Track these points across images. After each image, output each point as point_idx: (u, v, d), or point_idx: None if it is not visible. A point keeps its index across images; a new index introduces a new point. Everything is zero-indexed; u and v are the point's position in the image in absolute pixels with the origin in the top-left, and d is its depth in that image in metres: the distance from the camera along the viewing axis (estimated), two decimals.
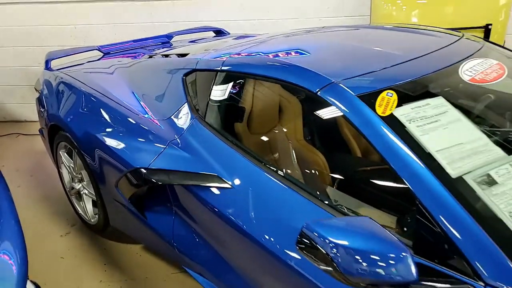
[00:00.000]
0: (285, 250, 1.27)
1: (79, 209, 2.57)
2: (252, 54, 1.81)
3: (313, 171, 1.61)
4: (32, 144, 3.81)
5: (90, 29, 3.97)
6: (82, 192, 2.46)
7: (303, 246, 0.94)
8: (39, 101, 2.58)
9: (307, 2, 3.72)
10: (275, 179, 1.41)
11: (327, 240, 0.90)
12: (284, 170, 1.43)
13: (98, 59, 2.78)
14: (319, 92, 1.33)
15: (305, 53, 1.68)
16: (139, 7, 3.88)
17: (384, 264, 0.88)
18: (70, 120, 2.25)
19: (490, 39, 3.33)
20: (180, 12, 3.85)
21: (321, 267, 0.92)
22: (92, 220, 2.45)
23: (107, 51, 2.92)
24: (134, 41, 3.17)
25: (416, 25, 2.12)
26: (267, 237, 1.34)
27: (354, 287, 0.91)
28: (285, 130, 1.85)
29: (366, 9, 3.53)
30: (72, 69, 2.56)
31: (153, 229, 1.90)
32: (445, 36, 1.82)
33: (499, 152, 1.14)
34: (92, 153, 2.07)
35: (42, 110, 2.55)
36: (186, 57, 2.05)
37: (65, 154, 2.48)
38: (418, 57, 1.51)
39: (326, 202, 1.24)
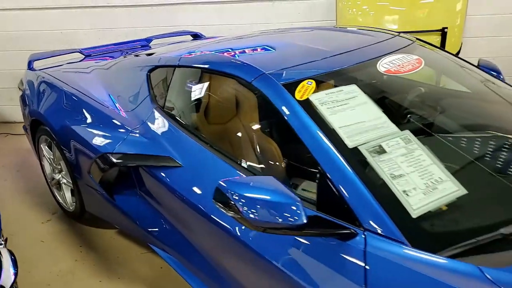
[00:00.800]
0: (225, 221, 1.49)
1: (59, 198, 2.78)
2: (209, 52, 2.04)
3: (267, 158, 1.82)
4: (19, 143, 4.01)
5: (76, 34, 4.20)
6: (61, 182, 2.67)
7: (218, 199, 1.15)
8: (22, 99, 2.80)
9: (280, 7, 3.97)
10: (219, 159, 1.63)
11: (234, 193, 1.12)
12: (229, 152, 1.65)
13: (80, 61, 3.01)
14: (253, 82, 1.56)
15: (257, 50, 1.92)
16: (121, 13, 4.12)
17: (279, 212, 1.10)
18: (49, 115, 2.46)
19: (447, 42, 3.58)
20: (160, 17, 4.09)
21: (229, 213, 1.13)
22: (71, 208, 2.66)
23: (88, 54, 3.14)
24: (114, 44, 3.40)
25: (361, 27, 2.35)
26: (211, 209, 1.56)
27: (256, 230, 1.13)
28: (241, 121, 2.08)
29: (334, 14, 3.79)
30: (53, 69, 2.78)
31: (121, 210, 2.11)
32: (379, 35, 2.05)
33: (393, 128, 1.37)
34: (68, 144, 2.29)
35: (25, 107, 2.77)
36: (152, 55, 2.29)
37: (46, 147, 2.70)
38: (344, 52, 1.74)
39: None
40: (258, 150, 1.75)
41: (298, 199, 1.12)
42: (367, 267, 1.10)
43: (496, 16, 3.90)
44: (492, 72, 2.26)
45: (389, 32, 2.18)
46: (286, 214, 1.09)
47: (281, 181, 1.18)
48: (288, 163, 1.60)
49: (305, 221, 1.09)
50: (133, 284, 2.15)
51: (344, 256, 1.15)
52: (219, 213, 1.52)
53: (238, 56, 1.82)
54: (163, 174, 1.78)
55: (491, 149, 1.49)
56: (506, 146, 1.52)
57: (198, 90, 1.95)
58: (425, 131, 1.51)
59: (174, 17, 4.09)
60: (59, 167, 2.63)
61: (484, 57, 4.04)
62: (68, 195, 2.67)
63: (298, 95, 1.44)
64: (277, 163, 1.69)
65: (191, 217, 1.72)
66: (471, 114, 1.80)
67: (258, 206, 1.10)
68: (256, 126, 1.79)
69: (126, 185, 2.11)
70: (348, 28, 2.34)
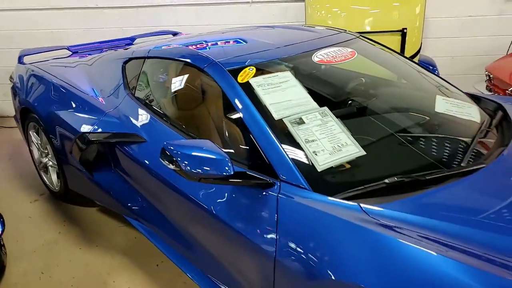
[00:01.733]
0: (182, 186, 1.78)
1: (46, 180, 3.06)
2: (181, 45, 2.33)
3: (230, 140, 2.10)
4: (12, 135, 4.29)
5: (66, 33, 4.49)
6: (48, 165, 2.95)
7: (163, 158, 1.44)
8: (13, 89, 3.08)
9: (255, 9, 4.28)
10: (177, 134, 1.92)
11: (176, 152, 1.40)
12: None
13: (67, 57, 3.30)
14: (205, 68, 1.85)
15: (217, 44, 2.22)
16: (108, 14, 4.41)
17: (212, 165, 1.39)
18: (36, 103, 2.75)
19: (408, 42, 3.88)
20: (145, 18, 4.38)
21: (170, 166, 1.41)
22: (57, 188, 2.94)
23: (75, 50, 3.42)
24: (100, 42, 3.68)
25: (316, 26, 2.66)
26: (171, 176, 1.85)
27: (193, 180, 1.41)
28: (207, 107, 2.37)
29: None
30: (41, 63, 3.06)
31: (99, 186, 2.40)
32: (325, 32, 2.35)
33: (314, 105, 1.67)
34: (53, 129, 2.58)
35: (15, 97, 3.05)
36: (128, 49, 2.58)
37: (34, 133, 2.98)
38: (287, 45, 2.04)
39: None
40: (223, 133, 2.03)
41: (227, 156, 1.41)
42: (279, 201, 1.41)
43: (455, 19, 4.22)
44: (429, 66, 2.56)
45: (337, 29, 2.48)
46: (217, 167, 1.39)
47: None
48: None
49: (232, 172, 1.39)
50: (109, 251, 2.43)
51: (264, 199, 1.45)
52: (179, 181, 1.80)
53: (209, 48, 2.12)
54: (131, 149, 2.07)
55: (394, 124, 1.81)
56: (407, 122, 1.86)
57: (165, 78, 2.25)
58: (345, 108, 1.81)
59: (157, 18, 4.39)
60: (46, 151, 2.91)
61: (444, 56, 4.40)
62: (54, 177, 2.95)
63: (240, 78, 1.74)
64: (240, 145, 1.96)
65: (157, 187, 2.01)
66: (387, 97, 2.12)
67: (195, 161, 1.39)
68: (219, 111, 2.08)
69: (104, 164, 2.39)
70: (303, 27, 2.64)
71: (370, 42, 2.47)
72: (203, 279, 1.89)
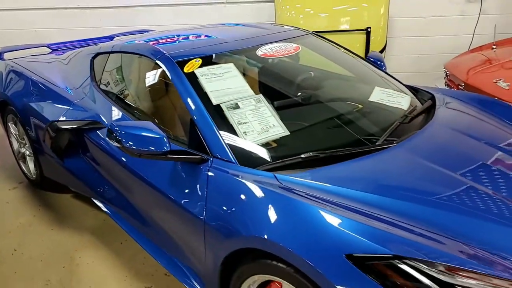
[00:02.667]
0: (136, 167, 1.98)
1: (24, 169, 3.25)
2: (139, 41, 2.53)
3: (176, 124, 2.31)
4: None
5: (49, 32, 4.69)
6: (26, 155, 3.15)
7: (109, 136, 1.64)
8: None
9: (231, 9, 4.49)
10: (134, 120, 2.12)
11: (120, 131, 1.60)
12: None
13: (46, 54, 3.49)
14: (156, 60, 2.06)
15: (178, 39, 2.43)
16: (90, 14, 4.62)
17: (151, 143, 1.59)
18: (14, 96, 2.94)
19: (373, 40, 4.10)
20: (124, 18, 4.59)
21: (115, 144, 1.61)
22: (34, 176, 3.13)
23: (55, 48, 3.62)
24: (80, 40, 3.88)
25: (284, 25, 2.88)
26: (127, 159, 2.05)
27: (134, 156, 1.61)
28: (170, 98, 2.56)
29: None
30: (20, 60, 3.26)
31: (70, 171, 2.59)
32: (276, 29, 2.56)
33: (250, 93, 1.87)
34: (28, 120, 2.77)
35: None
36: (97, 45, 2.78)
37: (13, 125, 3.17)
38: (238, 40, 2.25)
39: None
40: (172, 117, 2.24)
41: (165, 135, 1.61)
42: (210, 174, 1.61)
43: (419, 19, 4.45)
44: (377, 62, 2.76)
45: (292, 27, 2.69)
46: (156, 145, 1.59)
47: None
48: None
49: (169, 149, 1.59)
50: (79, 231, 2.63)
51: (198, 173, 1.66)
52: (134, 162, 2.00)
53: (179, 42, 2.33)
54: (95, 136, 2.27)
55: (325, 110, 2.03)
56: (338, 109, 2.09)
57: (128, 70, 2.45)
58: (279, 95, 2.02)
59: (136, 18, 4.60)
60: (24, 141, 3.10)
61: (411, 54, 4.62)
62: (31, 166, 3.14)
63: (186, 69, 1.94)
64: (184, 128, 2.16)
65: (118, 171, 2.20)
66: (327, 87, 2.34)
67: (136, 139, 1.59)
68: (169, 98, 2.28)
69: (73, 151, 2.58)
70: (264, 25, 2.85)
71: (321, 38, 2.68)
72: (159, 253, 2.09)
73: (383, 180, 1.52)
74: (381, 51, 4.23)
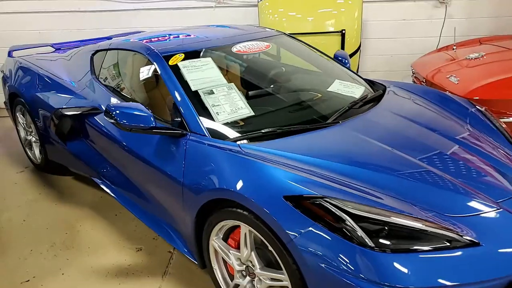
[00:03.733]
0: (130, 144, 2.36)
1: (30, 155, 3.62)
2: (134, 40, 2.91)
3: (163, 106, 2.68)
4: (3, 123, 4.84)
5: (52, 34, 5.06)
6: (32, 141, 3.52)
7: (106, 115, 2.01)
8: (3, 78, 3.65)
9: (219, 13, 4.88)
10: None
11: (115, 110, 1.98)
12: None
13: (50, 53, 3.87)
14: (146, 55, 2.44)
15: (169, 37, 2.81)
16: (90, 17, 5.00)
17: (139, 120, 1.97)
18: (22, 88, 3.32)
19: (348, 42, 4.48)
20: (122, 20, 4.97)
21: (111, 121, 1.99)
22: (39, 161, 3.50)
23: (58, 47, 4.00)
24: (80, 41, 4.26)
25: (250, 26, 3.28)
26: (122, 137, 2.43)
27: (126, 130, 1.99)
28: (159, 90, 2.94)
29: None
30: (27, 57, 3.64)
31: (71, 152, 2.96)
32: (253, 29, 2.95)
33: (224, 81, 2.26)
34: (36, 109, 3.15)
35: (5, 84, 3.62)
36: (96, 44, 3.17)
37: (21, 115, 3.55)
38: (216, 39, 2.64)
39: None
40: (160, 101, 2.62)
41: (151, 114, 2.00)
42: (187, 145, 2.00)
43: (391, 22, 4.85)
44: (343, 59, 3.14)
45: (269, 29, 3.08)
46: (143, 121, 1.97)
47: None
48: None
49: (154, 125, 1.97)
50: (79, 205, 3.00)
51: (178, 144, 2.05)
52: (128, 140, 2.38)
53: (169, 40, 2.71)
54: (94, 121, 2.65)
55: (289, 97, 2.42)
56: (300, 97, 2.49)
57: (124, 65, 2.84)
58: (251, 84, 2.41)
59: (133, 21, 4.98)
60: (30, 129, 3.47)
61: (384, 55, 5.02)
62: (37, 151, 3.51)
63: (171, 62, 2.33)
64: (169, 109, 2.54)
65: (113, 149, 2.58)
66: (294, 79, 2.74)
67: (128, 117, 1.97)
68: (157, 86, 2.65)
69: (75, 135, 2.96)
70: (241, 26, 3.24)
71: (293, 39, 3.07)
72: (148, 218, 2.46)
73: (322, 147, 1.92)
74: (356, 52, 4.63)
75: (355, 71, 4.69)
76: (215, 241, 1.92)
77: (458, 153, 1.99)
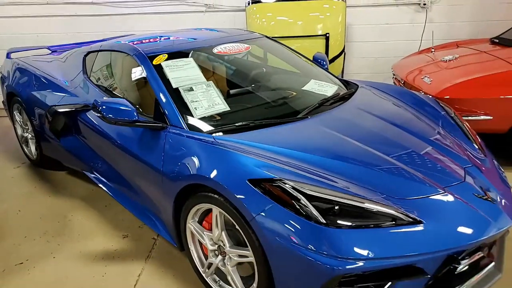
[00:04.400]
0: (116, 137, 2.55)
1: (27, 151, 3.82)
2: (124, 42, 3.11)
3: (148, 102, 2.88)
4: (1, 123, 5.03)
5: (49, 37, 5.27)
6: (28, 138, 3.71)
7: (94, 109, 2.20)
8: (2, 79, 3.85)
9: (210, 17, 5.09)
10: None
11: (102, 105, 2.17)
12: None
13: (46, 55, 4.07)
14: (133, 56, 2.64)
15: (160, 39, 3.01)
16: (86, 21, 5.21)
17: (124, 114, 2.16)
18: (19, 88, 3.52)
19: (332, 45, 4.67)
20: (116, 24, 5.18)
21: (97, 115, 2.18)
22: (34, 157, 3.69)
23: (54, 50, 4.20)
24: (75, 44, 4.46)
25: (237, 29, 3.48)
26: (111, 132, 2.62)
27: (111, 124, 2.18)
28: (148, 88, 3.14)
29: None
30: (24, 58, 3.83)
31: (64, 147, 3.15)
32: (236, 32, 3.15)
33: (203, 80, 2.45)
34: (32, 108, 3.35)
35: (3, 84, 3.81)
36: (88, 46, 3.37)
37: (18, 113, 3.74)
38: (202, 41, 2.84)
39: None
40: (145, 97, 2.82)
41: (134, 108, 2.18)
42: (167, 137, 2.19)
43: (375, 26, 5.06)
44: (321, 61, 3.34)
45: (252, 32, 3.28)
46: (127, 115, 2.17)
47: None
48: None
49: (136, 118, 2.16)
50: (71, 197, 3.19)
51: (159, 136, 2.24)
52: (117, 136, 2.57)
53: (160, 41, 2.92)
54: (85, 117, 2.84)
55: (265, 94, 2.63)
56: (276, 95, 2.69)
57: (114, 65, 3.03)
58: (230, 83, 2.61)
59: (127, 24, 5.20)
60: (27, 127, 3.66)
61: (369, 57, 5.21)
62: (33, 148, 3.70)
63: (155, 62, 2.52)
64: (152, 105, 2.72)
65: (103, 143, 2.77)
66: (272, 79, 2.94)
67: (113, 111, 2.16)
68: (143, 84, 2.85)
69: (68, 131, 3.15)
70: (225, 29, 3.44)
71: (275, 41, 3.27)
72: (134, 207, 2.64)
73: (288, 139, 2.11)
74: (340, 54, 4.82)
75: (340, 73, 4.91)
76: (191, 224, 2.11)
77: (414, 143, 2.18)
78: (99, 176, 3.00)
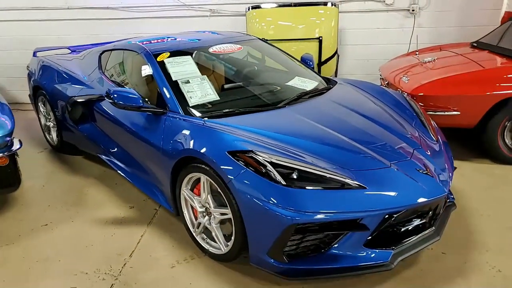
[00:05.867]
0: (127, 123, 3.02)
1: (49, 138, 4.33)
2: (134, 42, 3.59)
3: (153, 92, 3.35)
4: (27, 115, 5.57)
5: (70, 38, 5.80)
6: (50, 127, 4.22)
7: (107, 96, 2.67)
8: (29, 74, 4.37)
9: (214, 21, 5.56)
10: None
11: (114, 93, 2.64)
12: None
13: (67, 54, 4.59)
14: (140, 54, 3.12)
15: (167, 40, 3.47)
16: (102, 24, 5.73)
17: (132, 101, 2.62)
18: (44, 82, 4.03)
19: (325, 48, 5.08)
20: (129, 27, 5.68)
21: (109, 101, 2.64)
22: (55, 143, 4.20)
23: (74, 50, 4.72)
24: (92, 44, 4.97)
25: (236, 32, 3.94)
26: (123, 118, 3.08)
27: (120, 108, 2.65)
28: (149, 78, 3.59)
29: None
30: (48, 56, 4.36)
31: (83, 135, 3.64)
32: (232, 35, 3.60)
33: (198, 74, 2.91)
34: (55, 99, 3.86)
35: (30, 79, 4.34)
36: (104, 46, 3.86)
37: (42, 105, 4.25)
38: (198, 41, 3.29)
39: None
40: (151, 89, 3.29)
41: (140, 96, 2.64)
42: (166, 120, 2.64)
43: (366, 30, 5.45)
44: (308, 61, 3.75)
45: (247, 35, 3.73)
46: (134, 101, 2.63)
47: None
48: None
49: (141, 104, 2.62)
50: (86, 176, 3.69)
51: (159, 120, 2.70)
52: (126, 121, 3.04)
53: (167, 42, 3.38)
54: (100, 106, 3.33)
55: (253, 87, 3.06)
56: (262, 88, 3.12)
57: (125, 62, 3.51)
58: (223, 78, 3.07)
59: (139, 27, 5.69)
60: (50, 116, 4.17)
61: (361, 59, 5.61)
62: (54, 135, 4.21)
63: (159, 59, 2.99)
64: (156, 94, 3.20)
65: (115, 129, 3.24)
66: (261, 75, 3.38)
67: (122, 98, 2.63)
68: (149, 78, 3.33)
69: (85, 119, 3.64)
70: (225, 32, 3.90)
71: (267, 43, 3.71)
72: (139, 182, 3.10)
73: (265, 122, 2.55)
74: (332, 56, 5.23)
75: (333, 73, 5.32)
76: (185, 191, 2.56)
77: (372, 129, 2.60)
78: (110, 157, 3.48)
